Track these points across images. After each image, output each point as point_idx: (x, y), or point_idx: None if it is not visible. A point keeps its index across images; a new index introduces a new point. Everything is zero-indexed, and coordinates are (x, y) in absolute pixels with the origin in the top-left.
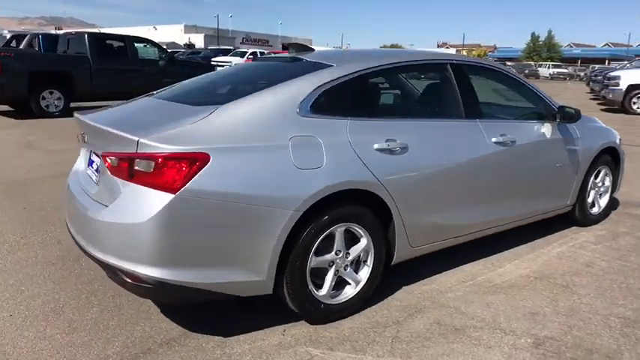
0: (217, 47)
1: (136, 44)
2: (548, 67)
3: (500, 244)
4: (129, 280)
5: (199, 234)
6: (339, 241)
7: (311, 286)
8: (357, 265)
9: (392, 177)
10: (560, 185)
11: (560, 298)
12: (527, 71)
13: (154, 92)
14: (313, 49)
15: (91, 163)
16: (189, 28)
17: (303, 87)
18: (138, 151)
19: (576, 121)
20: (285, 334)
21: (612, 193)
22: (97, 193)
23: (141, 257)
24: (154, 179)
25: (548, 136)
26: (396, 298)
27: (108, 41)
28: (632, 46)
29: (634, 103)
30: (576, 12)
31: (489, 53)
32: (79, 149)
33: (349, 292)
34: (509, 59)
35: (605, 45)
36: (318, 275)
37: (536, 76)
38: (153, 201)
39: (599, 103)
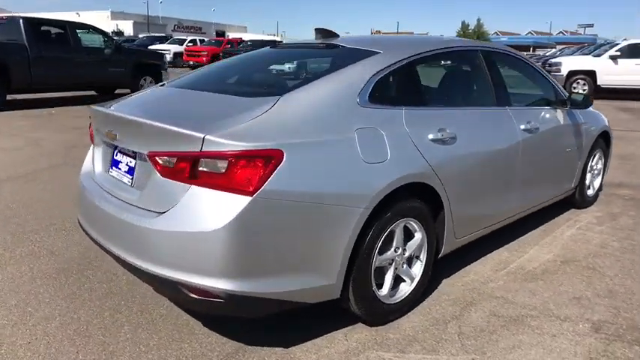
0: (149, 35)
1: (78, 31)
2: None
3: (515, 230)
4: (193, 295)
5: (273, 239)
6: (398, 238)
7: (374, 287)
8: (409, 261)
9: (444, 168)
10: (568, 169)
11: (594, 281)
12: None
13: (165, 82)
14: (338, 35)
15: (115, 163)
16: (117, 15)
17: (360, 75)
18: (203, 150)
19: (587, 107)
20: (348, 340)
21: (603, 175)
22: (140, 199)
23: (210, 269)
24: (226, 181)
25: (561, 122)
26: (442, 292)
27: (46, 27)
28: (552, 34)
29: (574, 87)
30: (502, 1)
31: None
32: (92, 148)
33: (405, 289)
34: None
35: (528, 33)
36: (379, 275)
37: None
38: (226, 205)
39: None
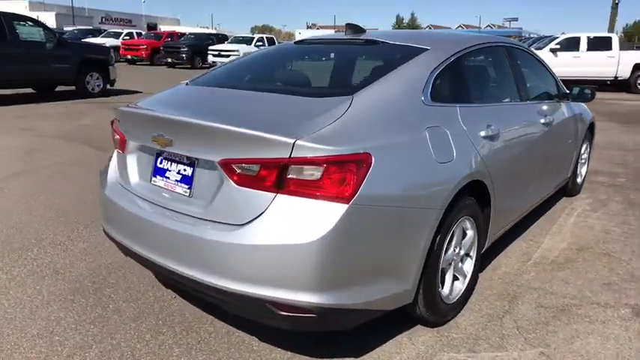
0: (79, 28)
1: (15, 23)
2: None
3: (521, 220)
4: (283, 313)
5: (363, 247)
6: (458, 237)
7: (440, 288)
8: (462, 259)
9: (493, 164)
10: (568, 159)
11: (614, 267)
12: None
13: (188, 81)
14: (365, 30)
15: (160, 172)
16: (36, 5)
17: (420, 72)
18: (293, 156)
19: (590, 100)
20: (415, 344)
21: (588, 164)
22: (207, 211)
23: (303, 282)
24: (320, 188)
25: (566, 115)
26: (483, 287)
27: None
28: (481, 27)
29: None
30: None
31: None
32: (117, 154)
33: (459, 287)
34: None
35: (458, 26)
36: (441, 275)
37: None
38: (322, 214)
39: None
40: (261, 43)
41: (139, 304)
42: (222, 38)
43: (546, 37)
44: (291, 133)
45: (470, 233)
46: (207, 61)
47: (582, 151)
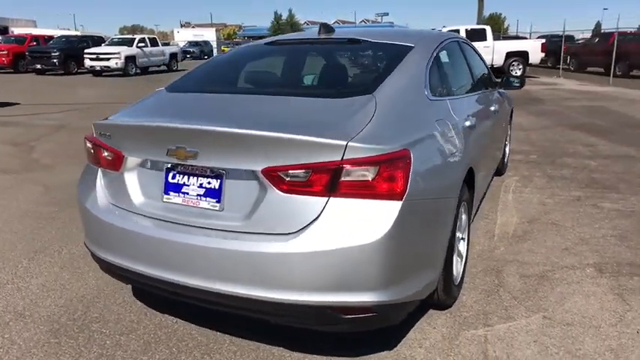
0: None
1: None
2: None
3: None
4: (345, 316)
5: (414, 240)
6: (460, 222)
7: (453, 271)
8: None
9: (474, 151)
10: (502, 141)
11: (564, 233)
12: None
13: (164, 88)
14: (334, 29)
15: (174, 188)
16: None
17: (418, 69)
18: (345, 158)
19: (520, 87)
20: (436, 327)
21: (510, 144)
22: (248, 223)
23: (365, 283)
24: (375, 188)
25: (501, 101)
26: (468, 265)
27: None
28: (356, 22)
29: None
30: None
31: (238, 32)
32: (102, 173)
33: (459, 269)
34: (259, 37)
35: (335, 22)
36: None
37: None
38: (380, 214)
39: None
40: (143, 44)
41: (141, 335)
42: (98, 40)
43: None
44: (341, 134)
45: (464, 217)
46: (84, 65)
47: (509, 133)
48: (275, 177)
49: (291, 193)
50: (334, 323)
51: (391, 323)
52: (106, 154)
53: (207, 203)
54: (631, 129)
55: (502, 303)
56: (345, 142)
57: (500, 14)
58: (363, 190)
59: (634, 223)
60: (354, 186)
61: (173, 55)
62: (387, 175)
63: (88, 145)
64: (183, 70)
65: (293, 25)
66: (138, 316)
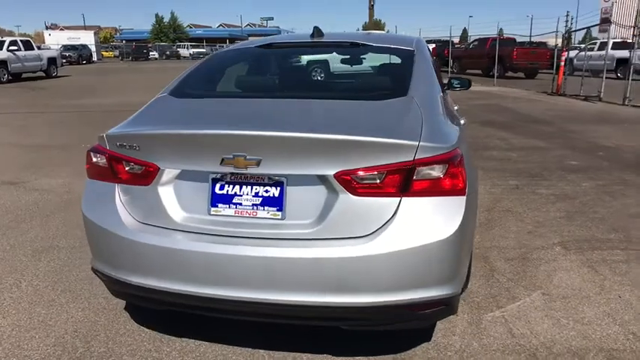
0: None
1: None
2: (187, 48)
3: None
4: (419, 312)
5: (470, 232)
6: None
7: None
8: None
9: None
10: None
11: (521, 218)
12: (168, 52)
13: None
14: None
15: (223, 199)
16: None
17: (429, 71)
18: (417, 158)
19: (468, 88)
20: (459, 315)
21: None
22: (320, 229)
23: (441, 277)
24: (444, 185)
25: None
26: None
27: None
28: (242, 26)
29: (313, 75)
30: None
31: (116, 36)
32: (122, 189)
33: None
34: (137, 40)
35: (219, 25)
36: None
37: (178, 56)
38: (451, 209)
39: None
40: (15, 47)
41: None
42: None
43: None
44: (410, 135)
45: None
46: None
47: None
48: (348, 180)
49: (364, 196)
50: (407, 320)
51: (454, 313)
52: (130, 167)
53: (267, 213)
54: (529, 124)
55: (502, 285)
56: (417, 143)
57: (380, 20)
58: (433, 188)
59: (571, 205)
60: (424, 184)
61: (52, 60)
62: (453, 172)
63: (98, 159)
64: (65, 76)
65: (176, 29)
66: (153, 343)
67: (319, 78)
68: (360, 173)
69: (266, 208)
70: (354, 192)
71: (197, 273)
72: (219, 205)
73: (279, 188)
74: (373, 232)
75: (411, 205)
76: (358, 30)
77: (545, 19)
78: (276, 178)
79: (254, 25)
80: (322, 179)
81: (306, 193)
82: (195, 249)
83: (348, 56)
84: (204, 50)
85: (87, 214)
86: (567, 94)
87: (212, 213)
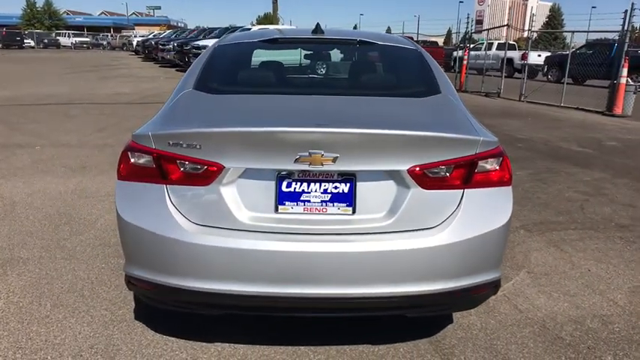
0: None
1: None
2: (69, 36)
3: None
4: (475, 295)
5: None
6: None
7: None
8: None
9: None
10: None
11: None
12: (46, 40)
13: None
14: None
15: (291, 197)
16: None
17: (441, 70)
18: (478, 152)
19: None
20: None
21: None
22: (392, 223)
23: (495, 261)
24: (498, 176)
25: None
26: None
27: None
28: (127, 15)
29: None
30: None
31: None
32: (182, 190)
33: None
34: (6, 26)
35: (101, 13)
36: None
37: (58, 45)
38: (504, 199)
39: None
40: None
41: None
42: None
43: (215, 28)
44: (472, 131)
45: None
46: None
47: None
48: (420, 175)
49: (432, 189)
50: (465, 303)
51: (496, 294)
52: (186, 167)
53: (337, 208)
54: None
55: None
56: (479, 138)
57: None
58: (488, 180)
59: (516, 192)
60: (482, 177)
61: None
62: (504, 165)
63: (139, 159)
64: None
65: (51, 15)
66: (187, 352)
67: (346, 74)
68: (432, 168)
69: (336, 204)
70: (425, 185)
71: (266, 273)
72: (287, 202)
73: (348, 184)
74: (441, 223)
75: (473, 196)
76: (253, 24)
77: (434, 20)
78: (347, 174)
79: (140, 14)
80: (391, 174)
81: (375, 188)
82: (265, 248)
83: (360, 53)
84: (88, 39)
85: (129, 219)
86: (469, 90)
87: (280, 211)
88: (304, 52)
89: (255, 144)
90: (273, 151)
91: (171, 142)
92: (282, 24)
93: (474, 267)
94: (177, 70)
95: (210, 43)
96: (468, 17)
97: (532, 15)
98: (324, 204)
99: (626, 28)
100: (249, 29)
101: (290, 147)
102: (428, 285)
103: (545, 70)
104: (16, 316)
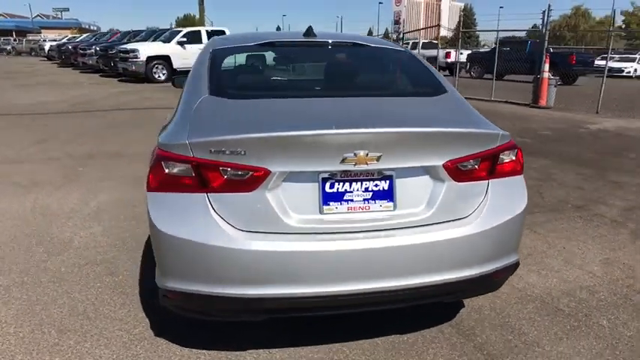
0: None
1: None
2: None
3: None
4: (501, 277)
5: None
6: None
7: None
8: None
9: None
10: None
11: None
12: None
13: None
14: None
15: (334, 197)
16: None
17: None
18: (499, 145)
19: None
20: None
21: None
22: (432, 215)
23: (515, 245)
24: (514, 166)
25: None
26: None
27: None
28: (30, 17)
29: (154, 72)
30: None
31: None
32: (225, 198)
33: None
34: None
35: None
36: None
37: None
38: (520, 186)
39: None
40: None
41: None
42: None
43: (140, 31)
44: (491, 126)
45: None
46: None
47: None
48: (453, 169)
49: (464, 181)
50: (491, 287)
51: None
52: (229, 174)
53: (379, 205)
54: None
55: None
56: (500, 132)
57: (195, 15)
58: (508, 170)
59: None
60: (502, 167)
61: None
62: (518, 156)
63: (175, 169)
64: None
65: None
66: None
67: (353, 76)
68: (463, 161)
69: (377, 201)
70: (457, 178)
71: (316, 273)
72: (331, 203)
73: (388, 181)
74: (473, 212)
75: (496, 185)
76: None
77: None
78: (386, 171)
79: (46, 16)
80: (427, 169)
81: (413, 184)
82: (314, 249)
83: (361, 55)
84: None
85: (168, 231)
86: None
87: (325, 212)
88: (306, 55)
89: (302, 147)
90: (318, 152)
91: (213, 150)
92: (212, 26)
93: (501, 251)
94: (101, 76)
95: (141, 46)
96: (398, 19)
97: (474, 16)
98: (366, 202)
99: (546, 28)
100: (179, 31)
101: (335, 148)
102: (466, 271)
103: (468, 67)
104: (20, 348)
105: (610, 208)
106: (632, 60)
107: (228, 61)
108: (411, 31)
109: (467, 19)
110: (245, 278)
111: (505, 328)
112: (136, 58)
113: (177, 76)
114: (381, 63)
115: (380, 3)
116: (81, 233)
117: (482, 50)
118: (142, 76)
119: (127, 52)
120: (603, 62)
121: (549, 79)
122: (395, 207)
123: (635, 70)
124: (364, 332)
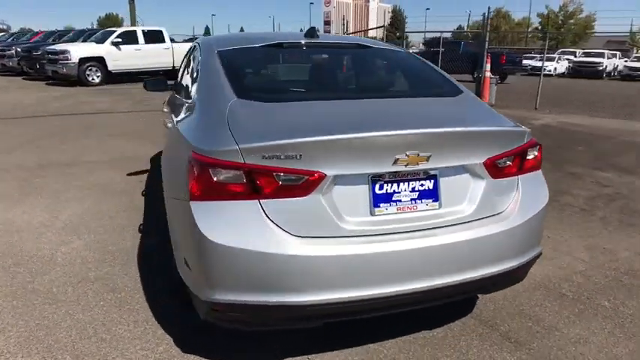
0: None
1: None
2: None
3: None
4: (530, 266)
5: None
6: None
7: None
8: None
9: None
10: None
11: None
12: None
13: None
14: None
15: (384, 198)
16: None
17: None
18: (526, 142)
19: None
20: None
21: None
22: (475, 212)
23: (539, 236)
24: (535, 162)
25: None
26: None
27: None
28: None
29: (88, 75)
30: None
31: None
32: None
33: None
34: None
35: None
36: None
37: None
38: (541, 179)
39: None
40: None
41: None
42: None
43: (67, 31)
44: (517, 124)
45: None
46: None
47: None
48: (490, 166)
49: (499, 177)
50: (522, 277)
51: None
52: (281, 179)
53: (425, 205)
54: None
55: None
56: (526, 130)
57: (118, 14)
58: (533, 165)
59: None
60: (529, 163)
61: None
62: (540, 152)
63: (223, 176)
64: None
65: None
66: None
67: (371, 77)
68: (499, 159)
69: (424, 200)
70: (494, 175)
71: (371, 275)
72: (382, 204)
73: (432, 180)
74: (508, 207)
75: (525, 180)
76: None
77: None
78: (431, 171)
79: None
80: (466, 167)
81: (455, 182)
82: (368, 251)
83: (370, 56)
84: None
85: (221, 241)
86: None
87: (376, 213)
88: (319, 57)
89: (356, 149)
90: (371, 154)
91: (266, 155)
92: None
93: (532, 242)
94: (24, 79)
95: (72, 47)
96: (344, 21)
97: (405, 17)
98: (413, 202)
99: (485, 29)
100: (113, 31)
101: (388, 149)
102: (505, 263)
103: None
104: None
105: (576, 198)
106: (552, 59)
107: (240, 63)
108: (354, 33)
109: (397, 20)
110: (303, 285)
111: (522, 315)
112: (67, 60)
113: (148, 80)
114: (394, 64)
115: (311, 3)
116: (62, 249)
117: (417, 50)
118: (74, 78)
119: (56, 53)
120: (529, 62)
121: (490, 77)
122: (440, 205)
123: (555, 69)
124: (392, 332)
